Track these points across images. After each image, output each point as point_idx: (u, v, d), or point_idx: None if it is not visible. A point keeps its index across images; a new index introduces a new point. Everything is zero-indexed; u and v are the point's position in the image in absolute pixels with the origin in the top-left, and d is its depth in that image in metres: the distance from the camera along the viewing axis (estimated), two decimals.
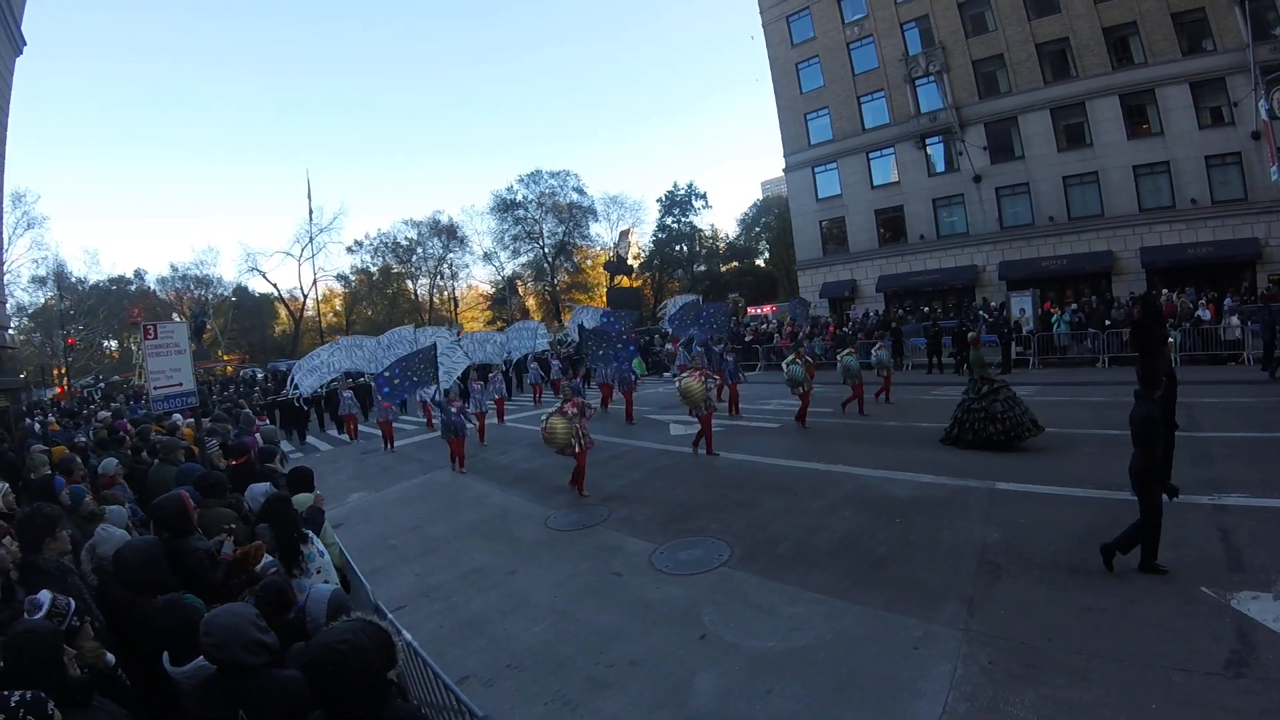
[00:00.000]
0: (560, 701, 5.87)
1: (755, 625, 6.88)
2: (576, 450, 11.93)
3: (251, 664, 3.09)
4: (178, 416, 13.91)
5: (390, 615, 4.98)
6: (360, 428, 24.72)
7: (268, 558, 4.94)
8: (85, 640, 3.56)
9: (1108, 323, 23.75)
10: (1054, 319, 25.66)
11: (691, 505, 10.99)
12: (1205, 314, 22.32)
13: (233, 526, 5.64)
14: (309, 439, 25.58)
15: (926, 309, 35.75)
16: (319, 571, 5.46)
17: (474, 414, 18.78)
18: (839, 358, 18.44)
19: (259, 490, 6.59)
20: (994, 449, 12.23)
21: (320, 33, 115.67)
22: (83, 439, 14.33)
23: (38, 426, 19.86)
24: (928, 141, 38.54)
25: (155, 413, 13.08)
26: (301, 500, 6.37)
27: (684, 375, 14.57)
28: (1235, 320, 21.36)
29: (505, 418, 23.15)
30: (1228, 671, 5.18)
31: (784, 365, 16.66)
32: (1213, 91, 30.16)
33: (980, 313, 30.76)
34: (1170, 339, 21.41)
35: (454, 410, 15.75)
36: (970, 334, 15.19)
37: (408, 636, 4.35)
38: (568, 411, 11.87)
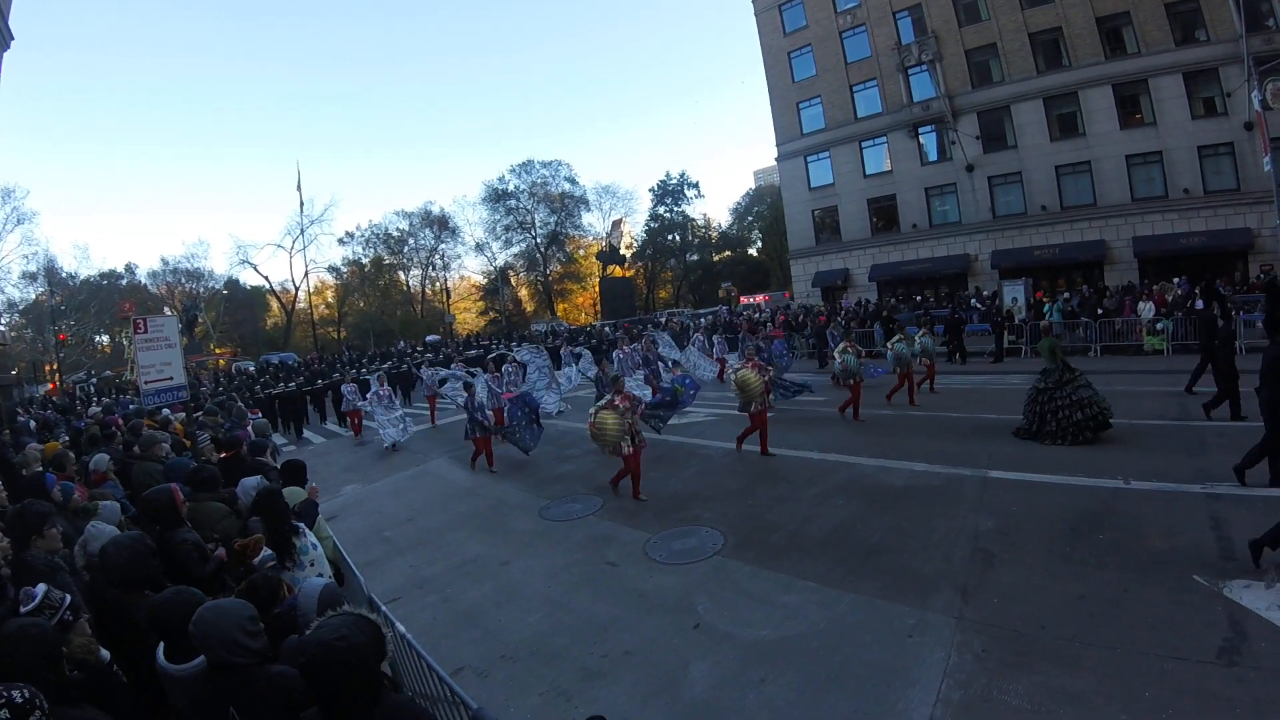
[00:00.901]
0: (555, 692, 5.87)
1: (749, 614, 6.89)
2: (628, 451, 10.74)
3: (234, 663, 3.07)
4: (167, 411, 13.90)
5: (384, 608, 4.99)
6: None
7: (266, 551, 4.93)
8: (79, 635, 3.54)
9: (1100, 312, 23.77)
10: (1046, 308, 25.67)
11: (685, 495, 10.99)
12: (1199, 303, 22.32)
13: (218, 540, 5.61)
14: (305, 432, 25.09)
15: (919, 298, 35.82)
16: (312, 564, 5.44)
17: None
18: (889, 345, 17.10)
19: (250, 484, 6.56)
20: (1080, 441, 11.53)
21: (310, 25, 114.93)
22: (65, 437, 14.24)
23: (33, 424, 19.78)
24: (920, 130, 38.52)
25: (146, 407, 13.03)
26: (293, 494, 6.34)
27: (739, 367, 13.08)
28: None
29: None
30: (1220, 660, 5.20)
31: (835, 354, 15.77)
32: (1206, 82, 30.19)
33: (972, 301, 30.82)
34: (1161, 327, 21.52)
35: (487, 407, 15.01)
36: (1042, 322, 15.02)
37: (401, 629, 4.35)
38: (619, 405, 10.74)
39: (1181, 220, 30.76)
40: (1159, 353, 21.11)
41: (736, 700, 5.46)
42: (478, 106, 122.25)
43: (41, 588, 3.62)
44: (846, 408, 15.51)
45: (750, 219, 75.49)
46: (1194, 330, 21.14)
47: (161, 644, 3.53)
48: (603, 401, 10.97)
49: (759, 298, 53.79)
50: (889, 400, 16.63)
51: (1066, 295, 27.01)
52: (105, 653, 3.65)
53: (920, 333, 17.37)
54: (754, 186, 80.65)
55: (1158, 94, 31.00)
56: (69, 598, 3.68)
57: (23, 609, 3.48)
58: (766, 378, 12.92)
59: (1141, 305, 23.26)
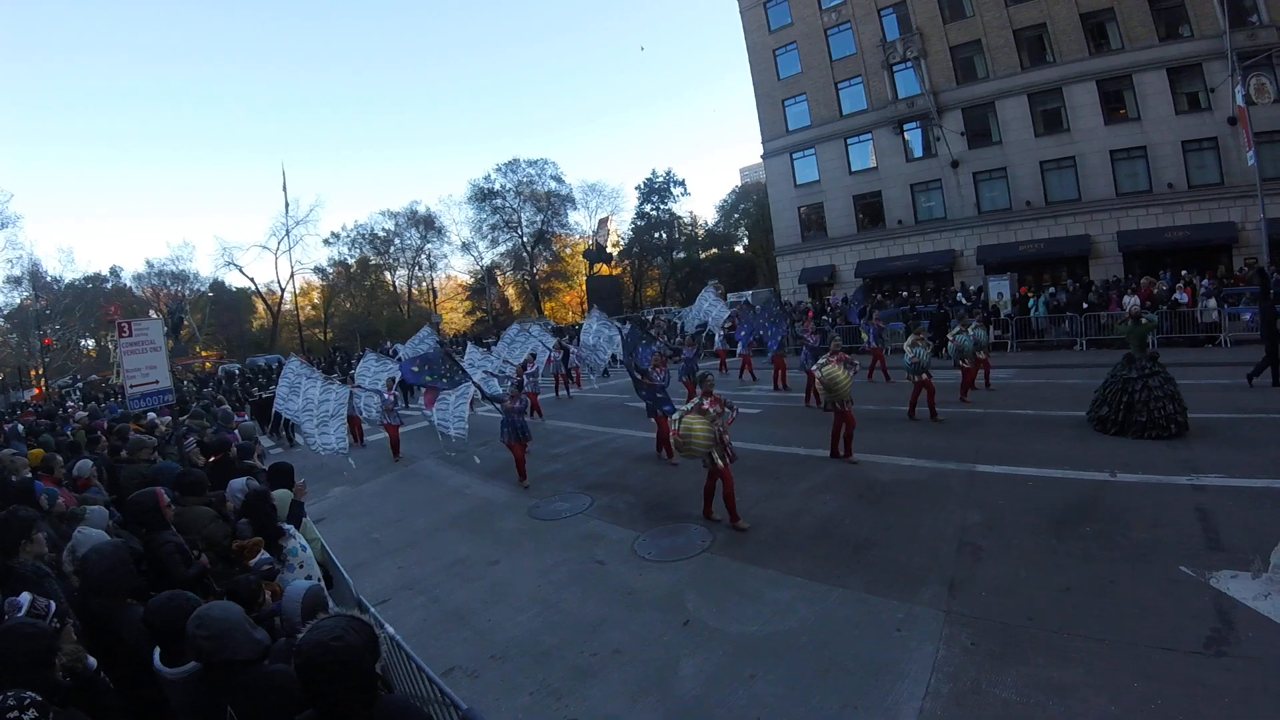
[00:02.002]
0: (545, 691, 5.86)
1: (738, 610, 6.91)
2: (720, 464, 9.12)
3: (242, 660, 3.07)
4: (152, 415, 13.81)
5: (373, 610, 4.99)
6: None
7: (264, 554, 4.92)
8: (66, 642, 3.52)
9: (1085, 306, 23.89)
10: (1031, 303, 25.80)
11: (674, 492, 10.99)
12: (1183, 297, 22.48)
13: (203, 546, 5.59)
14: (298, 438, 24.64)
15: (905, 293, 35.92)
16: (301, 566, 5.44)
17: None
18: (950, 337, 15.97)
19: (238, 485, 6.55)
20: (1168, 435, 11.05)
21: (294, 26, 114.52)
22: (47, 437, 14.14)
23: (21, 428, 19.62)
24: (905, 127, 38.60)
25: (132, 411, 12.95)
26: (282, 496, 6.33)
27: (824, 361, 11.68)
28: (1212, 303, 21.53)
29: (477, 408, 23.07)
30: (1208, 650, 5.24)
31: (905, 348, 14.39)
32: (1189, 77, 30.35)
33: (958, 297, 30.91)
34: (1147, 320, 21.61)
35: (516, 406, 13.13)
36: (1130, 306, 14.70)
37: (390, 630, 4.35)
38: (708, 409, 9.12)
39: (1166, 215, 30.92)
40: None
41: (726, 696, 5.46)
42: (463, 106, 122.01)
43: (26, 596, 3.61)
44: (917, 406, 14.34)
45: (737, 216, 75.42)
46: (1176, 325, 21.37)
47: (157, 649, 3.52)
48: (689, 405, 9.28)
49: (746, 295, 53.78)
50: (964, 399, 15.58)
51: (1052, 290, 27.13)
52: (92, 660, 3.63)
53: (974, 325, 16.20)
54: (740, 184, 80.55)
55: (1142, 89, 31.15)
56: (54, 605, 3.67)
57: (8, 620, 3.46)
58: (853, 372, 11.83)
59: (1127, 299, 23.37)
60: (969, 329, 15.73)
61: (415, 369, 15.68)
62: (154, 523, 5.14)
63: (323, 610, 3.22)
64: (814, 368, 11.91)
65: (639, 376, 13.53)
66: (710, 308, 24.70)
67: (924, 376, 13.94)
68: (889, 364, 20.11)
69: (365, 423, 19.48)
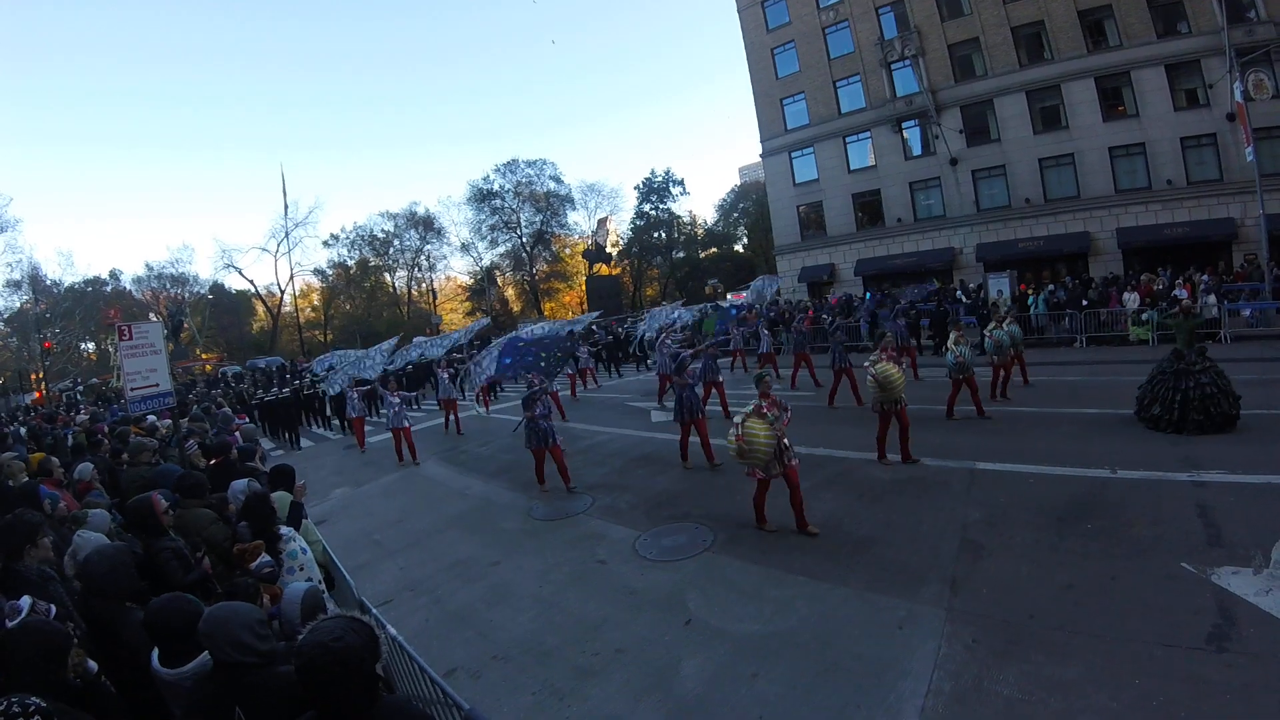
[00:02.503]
0: (547, 691, 5.87)
1: (740, 609, 6.91)
2: (780, 471, 8.50)
3: (240, 663, 3.08)
4: (153, 418, 13.79)
5: (375, 610, 4.98)
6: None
7: (265, 557, 4.92)
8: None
9: (1085, 303, 23.89)
10: (1031, 300, 25.79)
11: (674, 492, 11.00)
12: (1182, 293, 22.48)
13: (204, 549, 5.59)
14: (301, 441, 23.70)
15: (918, 288, 35.92)
16: (301, 569, 5.44)
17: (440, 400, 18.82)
18: (987, 332, 15.20)
19: (239, 486, 6.56)
20: (1220, 430, 10.87)
21: (293, 27, 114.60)
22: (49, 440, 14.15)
23: (24, 431, 19.64)
24: (904, 125, 38.64)
25: (132, 414, 12.95)
26: (281, 499, 6.34)
27: (876, 358, 11.11)
28: (1212, 299, 21.54)
29: (489, 408, 23.04)
30: (1210, 646, 5.24)
31: (950, 345, 13.91)
32: (1188, 74, 30.37)
33: (958, 294, 30.91)
34: (1147, 318, 21.65)
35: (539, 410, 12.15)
36: (1182, 301, 14.44)
37: (392, 631, 4.35)
38: (767, 412, 8.50)
39: (1165, 211, 30.94)
40: (1144, 343, 21.24)
41: (728, 696, 5.46)
42: (462, 107, 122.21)
43: (26, 600, 3.61)
44: (954, 405, 13.93)
45: (736, 215, 75.48)
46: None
47: (156, 650, 3.53)
48: (749, 407, 8.60)
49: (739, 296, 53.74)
50: (1004, 396, 15.24)
51: (1051, 287, 27.14)
52: (92, 664, 3.64)
53: (1008, 320, 15.66)
54: (739, 183, 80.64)
55: (1140, 86, 31.17)
56: (54, 609, 3.67)
57: (9, 623, 3.46)
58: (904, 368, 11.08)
59: (1126, 296, 23.40)
60: (1004, 324, 15.26)
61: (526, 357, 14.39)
62: (151, 529, 5.14)
63: (321, 612, 3.22)
64: (866, 364, 11.14)
65: (674, 375, 12.76)
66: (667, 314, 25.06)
67: (968, 375, 13.58)
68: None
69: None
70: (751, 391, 9.18)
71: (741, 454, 8.38)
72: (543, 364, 13.67)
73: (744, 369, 24.89)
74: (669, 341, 19.68)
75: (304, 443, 22.82)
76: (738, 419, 8.50)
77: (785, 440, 8.54)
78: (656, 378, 20.11)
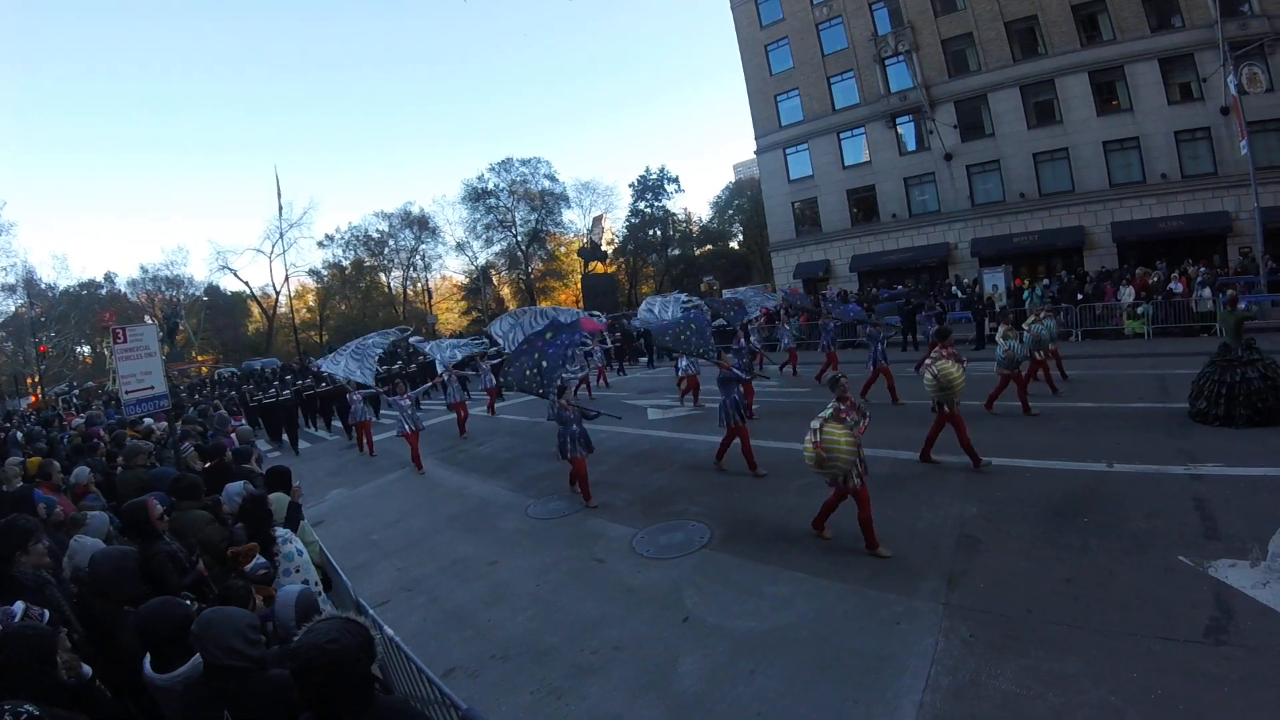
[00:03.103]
0: (546, 690, 5.87)
1: (737, 606, 6.92)
2: (855, 484, 7.75)
3: (230, 667, 3.07)
4: (149, 420, 13.77)
5: (371, 611, 4.98)
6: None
7: (259, 559, 4.91)
8: (61, 651, 3.51)
9: (1080, 297, 23.93)
10: (1026, 294, 25.82)
11: (671, 489, 11.00)
12: (1177, 286, 22.53)
13: (199, 550, 5.58)
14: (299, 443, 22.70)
15: (900, 287, 35.91)
16: (298, 570, 5.42)
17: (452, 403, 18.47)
18: (1026, 326, 14.59)
19: (234, 489, 6.55)
20: (1270, 423, 10.58)
21: (285, 29, 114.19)
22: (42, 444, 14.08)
23: (20, 435, 19.57)
24: (898, 121, 38.58)
25: (128, 417, 12.92)
26: (279, 500, 6.32)
27: (938, 357, 10.42)
28: (1207, 293, 21.59)
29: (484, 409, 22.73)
30: (1207, 639, 5.26)
31: (999, 339, 13.50)
32: (1182, 68, 30.35)
33: (953, 289, 30.95)
34: (1142, 311, 21.70)
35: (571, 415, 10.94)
36: (1230, 292, 14.19)
37: (389, 632, 4.34)
38: (845, 417, 7.82)
39: (1160, 205, 30.94)
40: (1140, 336, 21.30)
41: (727, 692, 5.47)
42: (455, 107, 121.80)
43: (19, 606, 3.60)
44: (995, 400, 13.59)
45: (731, 212, 75.33)
46: (1171, 315, 21.43)
47: (148, 655, 3.52)
48: (828, 411, 7.85)
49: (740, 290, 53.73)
50: (1054, 390, 14.73)
51: (1046, 282, 27.18)
52: (86, 669, 3.63)
53: (1043, 315, 15.24)
54: (734, 180, 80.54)
55: (1134, 80, 31.15)
56: (47, 614, 3.66)
57: (1, 629, 3.45)
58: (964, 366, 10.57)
59: (1122, 290, 23.45)
60: (1042, 319, 14.96)
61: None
62: (146, 532, 5.14)
63: (315, 614, 3.22)
64: (926, 361, 10.51)
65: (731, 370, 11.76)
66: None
67: (1015, 370, 13.28)
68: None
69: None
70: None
71: (820, 463, 7.70)
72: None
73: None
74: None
75: (300, 444, 22.39)
76: (815, 424, 7.75)
77: (861, 450, 7.89)
78: (679, 378, 18.95)
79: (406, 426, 15.27)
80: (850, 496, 7.81)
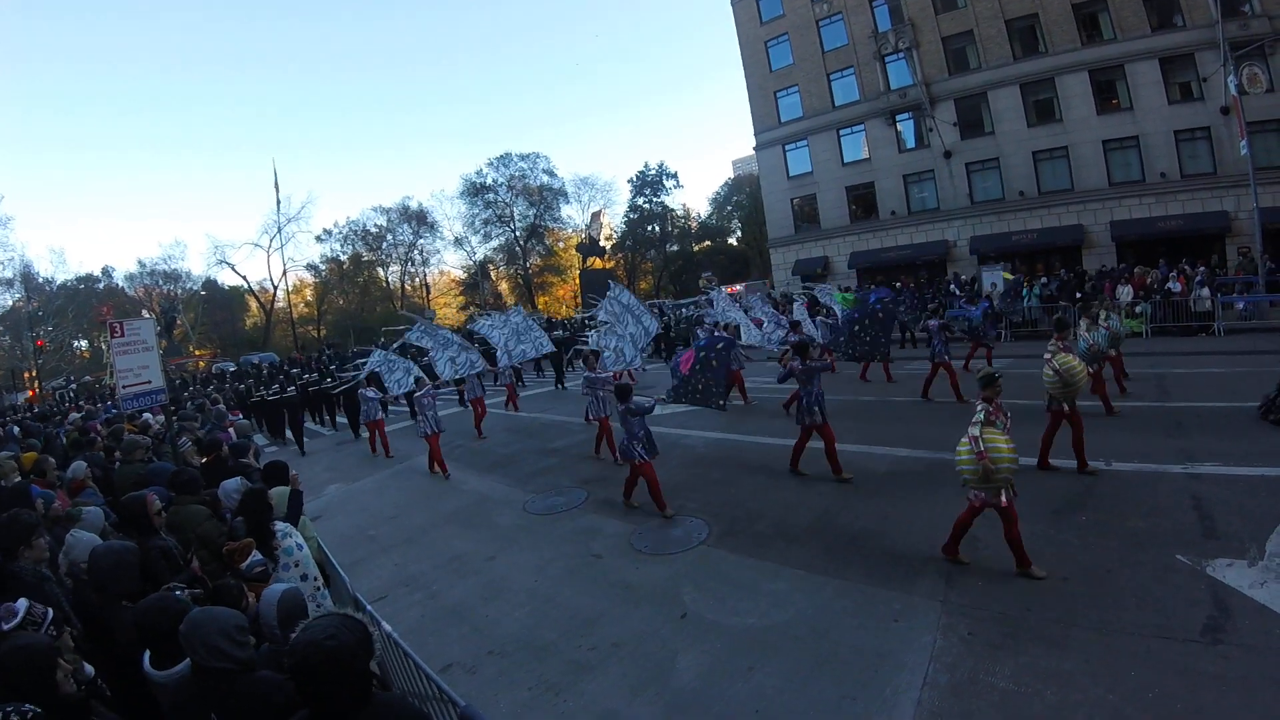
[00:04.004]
0: (543, 686, 5.87)
1: (736, 603, 6.92)
2: (1005, 500, 6.76)
3: (216, 668, 3.07)
4: (148, 415, 13.75)
5: (370, 607, 4.97)
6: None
7: (256, 555, 4.90)
8: (64, 650, 3.50)
9: (1078, 295, 23.93)
10: (1024, 292, 25.84)
11: (669, 485, 10.95)
12: (1176, 286, 22.54)
13: (190, 555, 5.57)
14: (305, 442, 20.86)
15: (898, 284, 35.95)
16: (297, 565, 5.41)
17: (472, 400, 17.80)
18: (1101, 320, 13.20)
19: (232, 486, 6.53)
20: None
21: (284, 26, 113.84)
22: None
23: (16, 430, 19.52)
24: (898, 118, 38.56)
25: (125, 412, 12.90)
26: (279, 494, 6.31)
27: (1056, 349, 9.59)
28: (1205, 292, 21.61)
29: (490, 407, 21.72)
30: (1205, 637, 5.27)
31: (1083, 332, 12.70)
32: (1182, 67, 30.35)
33: (952, 287, 30.96)
34: (1140, 310, 21.71)
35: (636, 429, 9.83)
36: None
37: (387, 628, 4.33)
38: (996, 419, 6.99)
39: (1159, 204, 30.96)
40: (1138, 335, 21.29)
41: (725, 689, 5.47)
42: (454, 102, 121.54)
43: (23, 603, 3.58)
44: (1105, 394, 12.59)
45: (729, 208, 75.38)
46: (1170, 314, 21.44)
47: (147, 651, 3.51)
48: (980, 415, 6.96)
49: (734, 288, 53.71)
50: (1123, 391, 13.78)
51: (1045, 280, 27.17)
52: (89, 668, 3.62)
53: (1110, 312, 13.82)
54: (733, 176, 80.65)
55: (1134, 79, 31.14)
56: (51, 612, 3.65)
57: (4, 626, 3.44)
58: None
59: (1120, 289, 23.45)
60: (1108, 316, 13.60)
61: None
62: (142, 527, 5.13)
63: (301, 615, 3.21)
64: (1046, 355, 9.63)
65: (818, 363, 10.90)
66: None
67: (1098, 366, 12.39)
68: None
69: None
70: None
71: (986, 476, 6.69)
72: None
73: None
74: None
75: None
76: (975, 432, 6.82)
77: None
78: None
79: (429, 429, 14.12)
80: (992, 510, 6.90)
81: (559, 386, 24.89)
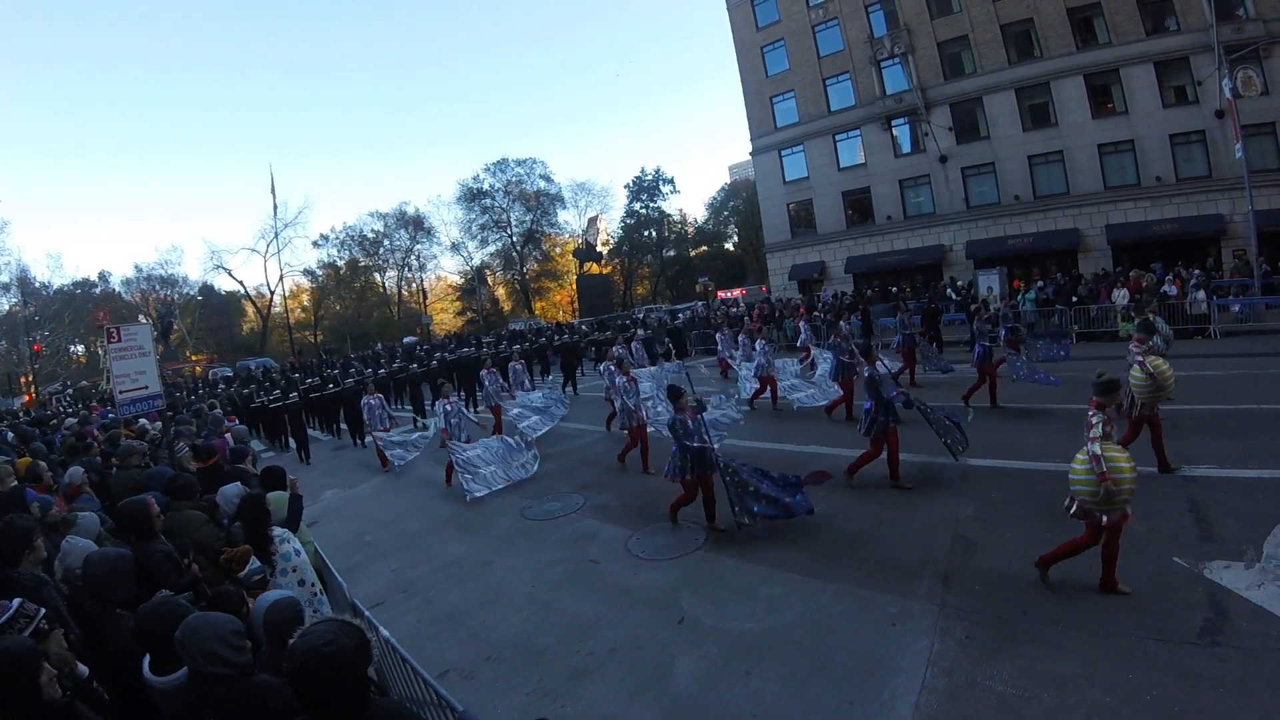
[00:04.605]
0: (541, 691, 5.86)
1: (733, 607, 6.92)
2: (1127, 516, 6.08)
3: (213, 673, 3.06)
4: (145, 421, 13.74)
5: (367, 613, 4.96)
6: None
7: (255, 563, 4.89)
8: (54, 646, 3.49)
9: (1075, 299, 23.97)
10: (1020, 296, 25.88)
11: (668, 491, 10.90)
12: (1171, 289, 22.57)
13: (193, 552, 5.56)
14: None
15: (894, 289, 35.97)
16: (294, 570, 5.42)
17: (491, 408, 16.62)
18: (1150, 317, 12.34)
19: (231, 492, 6.53)
20: None
21: (280, 29, 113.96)
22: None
23: (10, 435, 19.44)
24: (893, 123, 38.67)
25: (122, 417, 12.89)
26: (277, 498, 6.31)
27: (1147, 354, 9.10)
28: (1201, 295, 21.65)
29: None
30: (1202, 640, 5.27)
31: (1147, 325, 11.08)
32: (1176, 71, 30.50)
33: (948, 291, 31.01)
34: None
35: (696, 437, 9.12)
36: None
37: (385, 633, 4.33)
38: (1111, 431, 6.31)
39: (1154, 208, 31.07)
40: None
41: (723, 694, 5.47)
42: (450, 107, 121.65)
43: (16, 602, 3.57)
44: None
45: (726, 213, 75.45)
46: (1166, 317, 21.45)
47: (147, 656, 3.50)
48: (1098, 429, 6.15)
49: (736, 292, 53.63)
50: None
51: (1041, 284, 27.23)
52: (83, 668, 3.61)
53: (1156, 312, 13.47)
54: (729, 181, 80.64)
55: (1129, 83, 31.28)
56: (43, 611, 3.63)
57: None
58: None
59: (1116, 292, 23.49)
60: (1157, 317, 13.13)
61: None
62: (143, 531, 5.11)
63: (292, 625, 3.20)
64: (1136, 359, 9.04)
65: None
66: None
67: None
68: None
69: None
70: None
71: (1109, 499, 5.93)
72: None
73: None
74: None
75: (293, 444, 20.30)
76: (1094, 449, 6.04)
77: None
78: (754, 380, 17.17)
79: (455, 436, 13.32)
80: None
81: (568, 390, 23.16)
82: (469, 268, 70.52)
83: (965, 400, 13.96)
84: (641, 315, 39.11)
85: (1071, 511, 6.31)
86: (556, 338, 29.84)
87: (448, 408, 13.64)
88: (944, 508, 8.69)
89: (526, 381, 19.66)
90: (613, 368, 15.30)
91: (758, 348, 16.69)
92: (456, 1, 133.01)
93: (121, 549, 4.83)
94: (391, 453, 14.39)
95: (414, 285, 72.75)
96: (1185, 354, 17.52)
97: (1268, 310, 21.74)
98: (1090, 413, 6.29)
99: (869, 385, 9.77)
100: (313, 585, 5.58)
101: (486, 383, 16.76)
